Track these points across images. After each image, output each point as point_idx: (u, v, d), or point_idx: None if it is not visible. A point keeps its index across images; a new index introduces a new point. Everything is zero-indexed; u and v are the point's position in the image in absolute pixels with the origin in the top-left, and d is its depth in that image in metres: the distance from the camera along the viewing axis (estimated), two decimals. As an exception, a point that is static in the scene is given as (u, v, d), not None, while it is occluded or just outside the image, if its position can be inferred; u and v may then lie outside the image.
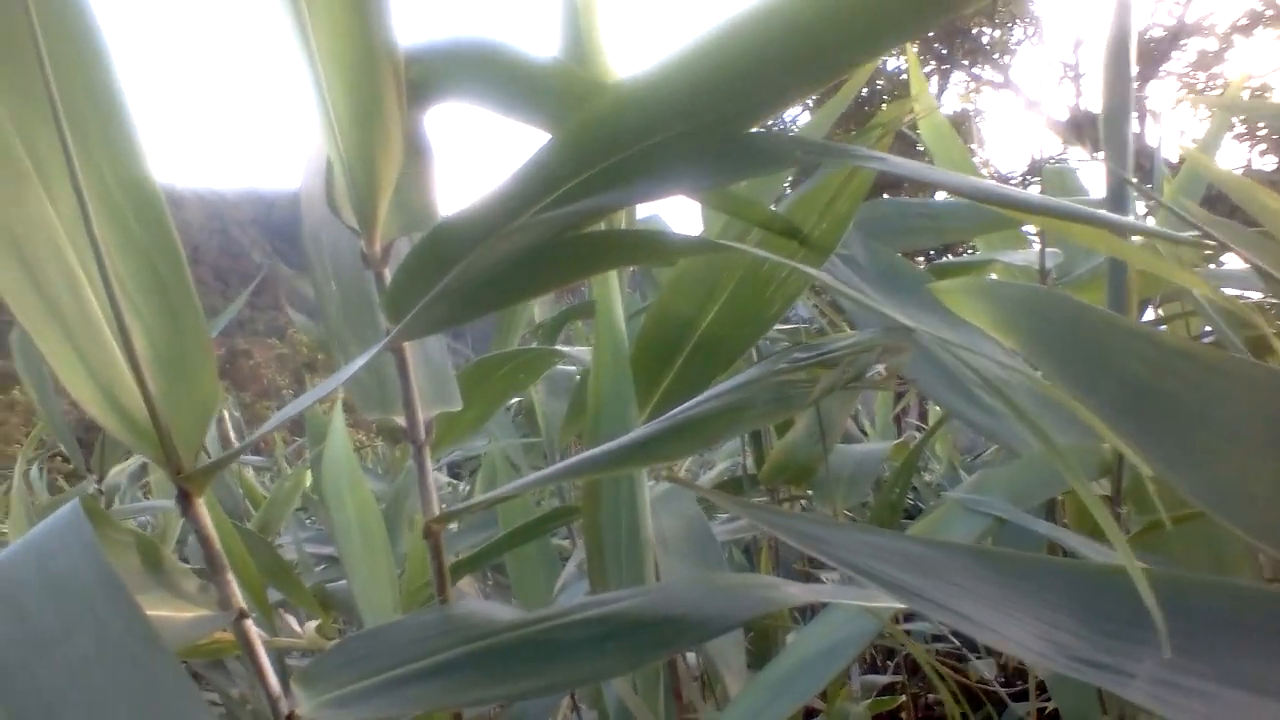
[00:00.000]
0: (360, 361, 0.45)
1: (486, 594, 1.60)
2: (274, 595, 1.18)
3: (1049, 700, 1.10)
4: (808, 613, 1.42)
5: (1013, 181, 11.27)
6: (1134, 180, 0.66)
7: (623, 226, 0.88)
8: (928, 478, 1.87)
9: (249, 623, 0.48)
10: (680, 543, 0.88)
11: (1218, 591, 0.33)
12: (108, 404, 0.45)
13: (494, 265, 0.46)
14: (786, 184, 0.94)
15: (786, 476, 1.29)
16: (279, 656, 1.17)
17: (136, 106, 0.45)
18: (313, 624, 1.13)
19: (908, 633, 1.32)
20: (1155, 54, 10.60)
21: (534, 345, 1.30)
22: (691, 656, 1.05)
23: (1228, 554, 0.66)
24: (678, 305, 0.76)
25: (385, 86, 0.52)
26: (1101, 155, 0.68)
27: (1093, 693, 0.78)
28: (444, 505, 0.69)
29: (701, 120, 0.40)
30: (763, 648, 1.23)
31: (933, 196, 1.58)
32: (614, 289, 0.76)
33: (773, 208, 0.79)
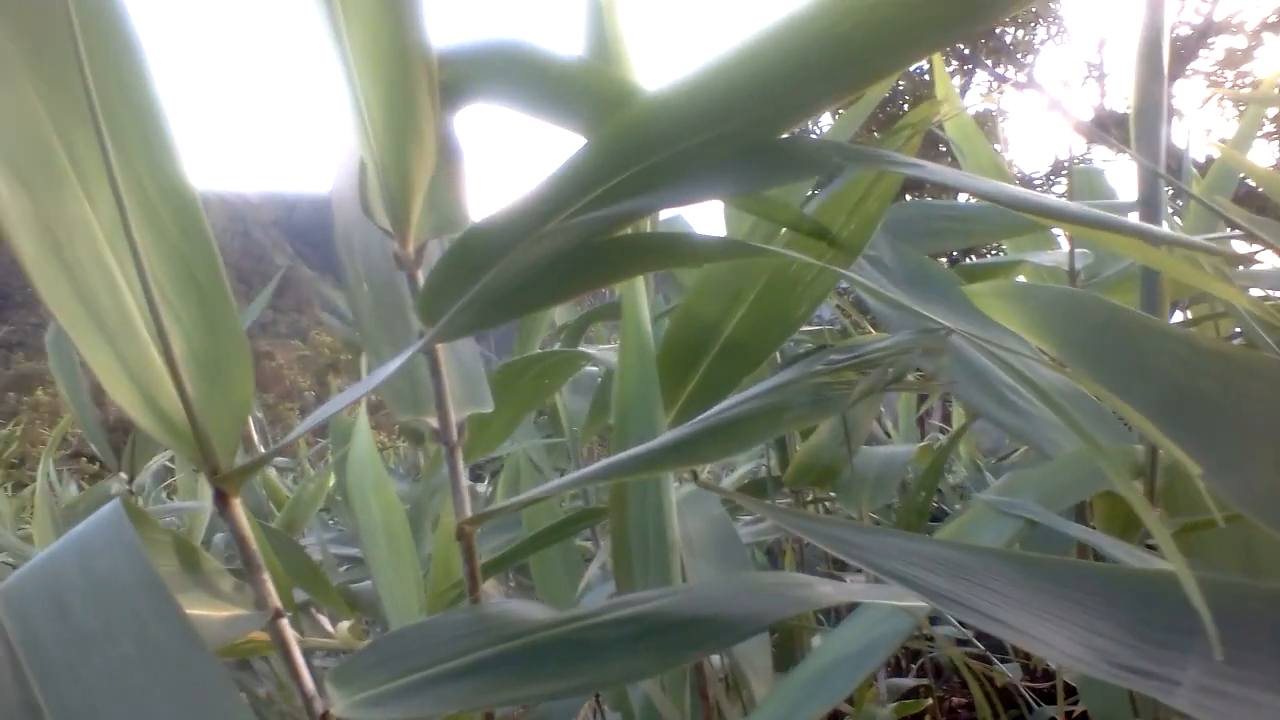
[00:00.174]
0: (396, 363, 0.46)
1: (509, 595, 1.61)
2: (299, 596, 1.19)
3: (1077, 702, 1.10)
4: (832, 615, 1.41)
5: (1036, 182, 11.17)
6: (1169, 178, 0.65)
7: (648, 230, 0.88)
8: (951, 480, 1.86)
9: (284, 622, 0.48)
10: (706, 545, 0.88)
11: (1261, 597, 0.33)
12: (146, 405, 0.46)
13: (526, 269, 0.46)
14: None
15: (811, 478, 1.28)
16: (307, 656, 1.18)
17: (172, 111, 0.46)
18: (345, 624, 1.14)
19: (930, 639, 1.31)
20: (1182, 53, 10.47)
21: (557, 347, 1.30)
22: (716, 658, 1.05)
23: (1263, 557, 0.65)
24: (704, 308, 0.76)
25: (419, 88, 0.53)
26: (1129, 154, 0.67)
27: (1123, 695, 0.77)
28: (467, 507, 0.69)
29: (735, 126, 0.40)
30: (787, 650, 1.23)
31: (956, 198, 1.57)
32: (640, 292, 0.76)
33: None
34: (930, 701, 1.40)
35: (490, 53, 0.57)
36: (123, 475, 1.87)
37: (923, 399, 2.03)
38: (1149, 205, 0.63)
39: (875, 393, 0.45)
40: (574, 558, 1.15)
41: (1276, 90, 1.15)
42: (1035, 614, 0.34)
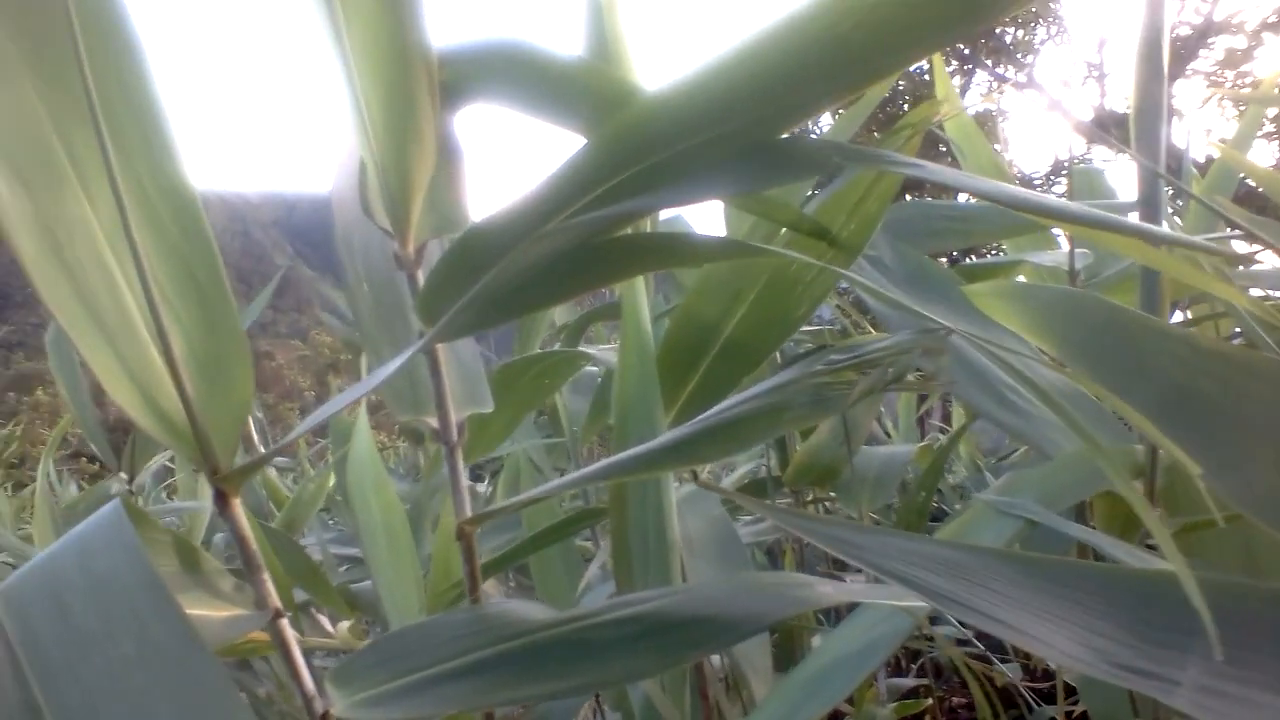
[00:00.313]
0: (396, 363, 0.46)
1: (509, 595, 1.61)
2: (299, 596, 1.19)
3: (1077, 703, 1.10)
4: (832, 615, 1.41)
5: (1036, 182, 11.17)
6: (1169, 178, 0.65)
7: (648, 230, 0.88)
8: (951, 480, 1.86)
9: (284, 622, 0.48)
10: (706, 545, 0.88)
11: (1261, 597, 0.33)
12: (146, 405, 0.46)
13: (526, 269, 0.46)
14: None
15: (811, 478, 1.28)
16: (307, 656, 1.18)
17: (173, 112, 0.46)
18: (345, 624, 1.14)
19: (930, 639, 1.31)
20: (1182, 53, 10.46)
21: (557, 347, 1.30)
22: (716, 658, 1.05)
23: (1263, 557, 0.65)
24: (703, 308, 0.76)
25: (419, 88, 0.53)
26: (1129, 154, 0.67)
27: (1123, 695, 0.77)
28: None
29: (735, 126, 0.40)
30: (787, 650, 1.23)
31: (956, 198, 1.57)
32: (640, 292, 0.76)
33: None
34: (930, 701, 1.40)
35: (490, 53, 0.57)
36: (123, 475, 1.87)
37: (923, 399, 2.03)
38: (1149, 205, 0.63)
39: (875, 393, 0.45)
40: (574, 558, 1.14)
41: (1276, 90, 1.15)
42: (1035, 614, 0.34)
